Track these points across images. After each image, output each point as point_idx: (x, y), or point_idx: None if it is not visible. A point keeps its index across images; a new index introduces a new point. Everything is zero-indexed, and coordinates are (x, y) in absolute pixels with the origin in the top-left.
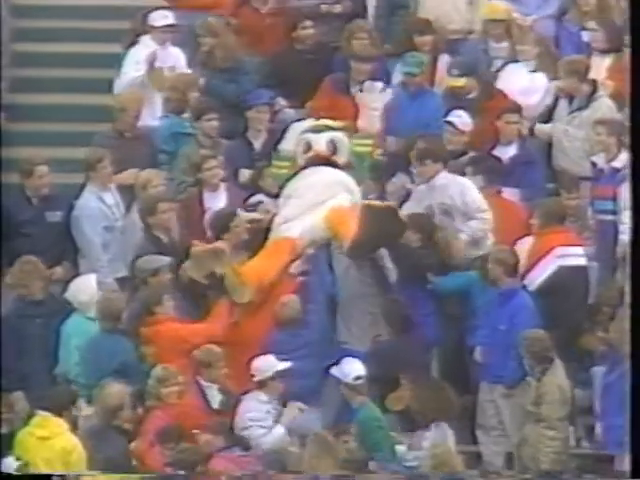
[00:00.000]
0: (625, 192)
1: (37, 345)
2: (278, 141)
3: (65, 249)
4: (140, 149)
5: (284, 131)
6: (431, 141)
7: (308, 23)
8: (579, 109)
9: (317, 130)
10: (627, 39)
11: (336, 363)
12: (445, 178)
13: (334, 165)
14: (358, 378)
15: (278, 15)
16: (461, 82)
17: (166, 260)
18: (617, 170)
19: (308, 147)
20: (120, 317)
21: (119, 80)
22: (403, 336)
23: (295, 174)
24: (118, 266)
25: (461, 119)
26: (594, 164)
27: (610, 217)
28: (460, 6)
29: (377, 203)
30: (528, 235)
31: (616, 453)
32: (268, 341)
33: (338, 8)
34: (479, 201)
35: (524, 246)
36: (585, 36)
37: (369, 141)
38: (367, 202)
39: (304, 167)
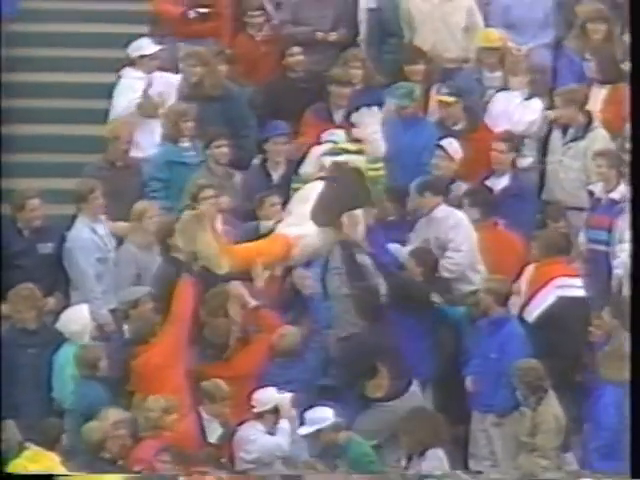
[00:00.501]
0: (622, 225)
1: (30, 375)
2: (299, 165)
3: (57, 280)
4: (131, 179)
5: (304, 155)
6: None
7: (296, 50)
8: (574, 140)
9: (334, 153)
10: (624, 70)
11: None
12: (443, 211)
13: None
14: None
15: (272, 43)
16: (450, 100)
17: (146, 290)
18: (615, 202)
19: (322, 169)
20: (98, 365)
21: (112, 110)
22: (377, 324)
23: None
24: (111, 297)
25: (452, 146)
26: (591, 193)
27: (603, 248)
28: (456, 33)
29: (345, 164)
30: (525, 266)
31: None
32: (264, 374)
33: (333, 36)
34: (461, 239)
35: (521, 277)
36: (582, 66)
37: (378, 165)
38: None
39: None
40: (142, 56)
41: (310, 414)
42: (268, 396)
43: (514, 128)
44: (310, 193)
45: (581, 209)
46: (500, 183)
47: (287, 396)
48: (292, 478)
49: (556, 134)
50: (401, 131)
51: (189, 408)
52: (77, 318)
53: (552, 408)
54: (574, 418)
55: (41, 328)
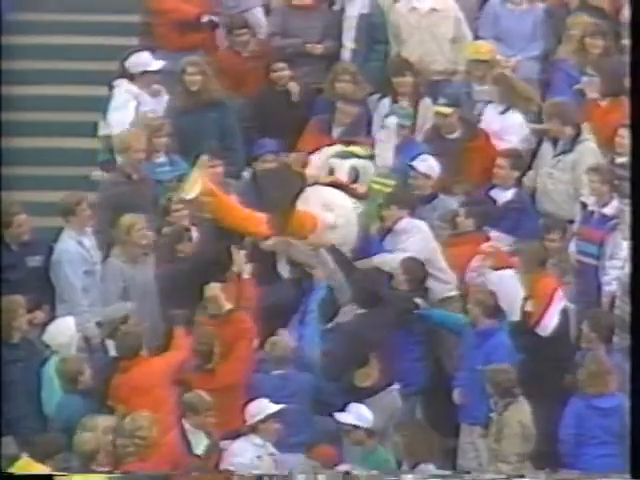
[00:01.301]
0: (613, 241)
1: (21, 389)
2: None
3: (45, 293)
4: (145, 191)
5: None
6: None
7: (281, 65)
8: (563, 152)
9: (343, 156)
10: (617, 84)
11: (341, 410)
12: (406, 223)
13: (351, 193)
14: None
15: (259, 58)
16: (448, 111)
17: (132, 306)
18: (607, 217)
19: (331, 172)
20: (78, 378)
21: (104, 122)
22: (370, 311)
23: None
24: (98, 310)
25: (426, 163)
26: (584, 205)
27: (593, 261)
28: (443, 45)
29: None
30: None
31: None
32: (255, 384)
33: (320, 49)
34: (416, 248)
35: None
36: (573, 79)
37: (389, 181)
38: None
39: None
40: (144, 72)
41: (355, 407)
42: (260, 407)
43: (504, 141)
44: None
45: (570, 221)
46: (503, 196)
47: (279, 406)
48: (286, 478)
49: (546, 146)
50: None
51: (173, 421)
52: (63, 330)
53: (519, 414)
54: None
55: (29, 341)
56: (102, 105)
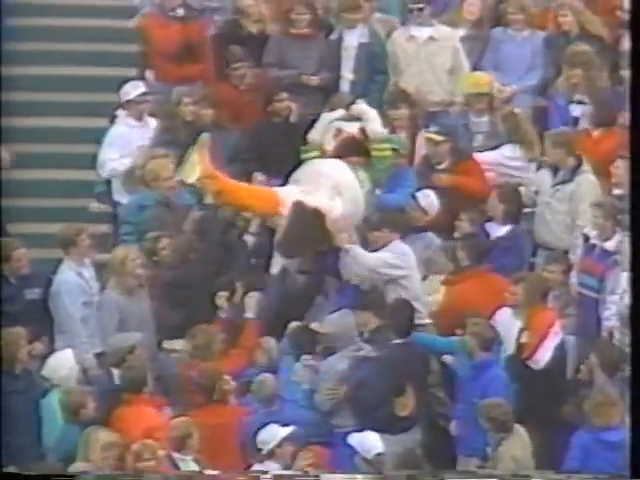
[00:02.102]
0: (614, 276)
1: (21, 420)
2: (306, 132)
3: (44, 325)
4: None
5: (314, 122)
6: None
7: (284, 95)
8: (562, 182)
9: (348, 119)
10: (611, 114)
11: (354, 431)
12: (396, 247)
13: (364, 151)
14: (379, 455)
15: (256, 90)
16: (439, 138)
17: (138, 336)
18: (608, 252)
19: (339, 132)
20: (80, 411)
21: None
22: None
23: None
24: (97, 342)
25: (428, 199)
26: (586, 237)
27: (594, 295)
28: (441, 76)
29: (308, 203)
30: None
31: None
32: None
33: (316, 80)
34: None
35: (509, 319)
36: (572, 109)
37: (385, 145)
38: (298, 199)
39: (333, 152)
40: (129, 100)
41: (362, 439)
42: (271, 433)
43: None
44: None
45: (567, 252)
46: (497, 231)
47: (290, 429)
48: (288, 478)
49: (546, 176)
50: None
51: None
52: (63, 364)
53: (513, 449)
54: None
55: (29, 372)
56: (100, 136)
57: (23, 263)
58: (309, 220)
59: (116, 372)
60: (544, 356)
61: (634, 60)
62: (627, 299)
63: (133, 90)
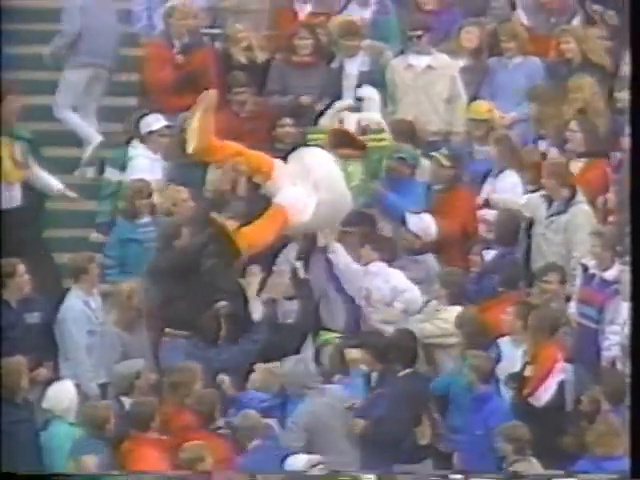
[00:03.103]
0: (614, 306)
1: (21, 448)
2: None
3: (46, 350)
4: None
5: (327, 108)
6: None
7: (288, 121)
8: (557, 213)
9: (354, 109)
10: (600, 143)
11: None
12: (376, 266)
13: (358, 144)
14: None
15: (257, 118)
16: (445, 162)
17: (141, 362)
18: (608, 282)
19: (341, 122)
20: (105, 426)
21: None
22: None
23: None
24: (100, 372)
25: (420, 223)
26: (585, 267)
27: (593, 325)
28: (439, 105)
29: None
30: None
31: None
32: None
33: (319, 106)
34: (404, 282)
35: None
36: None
37: (382, 135)
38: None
39: (328, 143)
40: (150, 132)
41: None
42: (301, 462)
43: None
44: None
45: (563, 282)
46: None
47: (318, 457)
48: (294, 478)
49: (542, 206)
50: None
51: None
52: (64, 395)
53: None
54: None
55: (30, 402)
56: (102, 165)
57: (23, 286)
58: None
59: (125, 400)
60: (546, 394)
61: (634, 84)
62: (627, 329)
63: (155, 123)
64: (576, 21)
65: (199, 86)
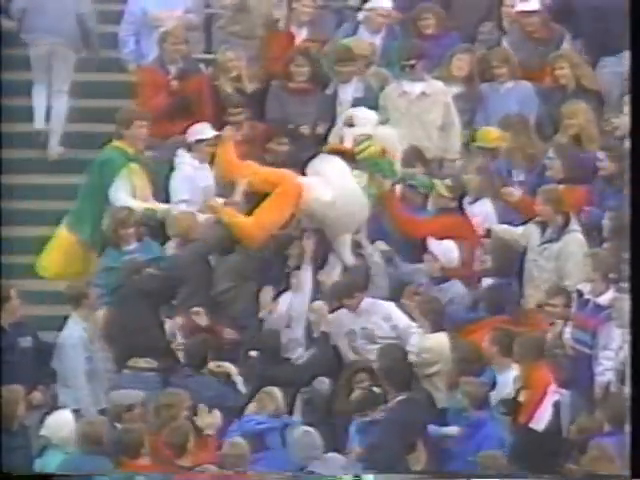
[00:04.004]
0: (607, 331)
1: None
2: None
3: (41, 374)
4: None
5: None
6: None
7: (283, 140)
8: (550, 241)
9: (350, 125)
10: (578, 171)
11: None
12: (366, 303)
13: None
14: None
15: (252, 142)
16: (446, 194)
17: (140, 395)
18: (601, 307)
19: (341, 140)
20: (101, 441)
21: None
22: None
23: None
24: (99, 398)
25: (445, 252)
26: (580, 293)
27: (587, 350)
28: (432, 133)
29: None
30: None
31: None
32: None
33: (314, 131)
34: (404, 319)
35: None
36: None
37: (365, 144)
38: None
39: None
40: (199, 140)
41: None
42: None
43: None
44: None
45: (554, 306)
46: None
47: None
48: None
49: (535, 233)
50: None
51: None
52: (63, 423)
53: None
54: None
55: (27, 428)
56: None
57: (16, 310)
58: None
59: (119, 427)
60: (544, 416)
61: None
62: (622, 355)
63: (204, 132)
64: (566, 43)
65: (193, 112)
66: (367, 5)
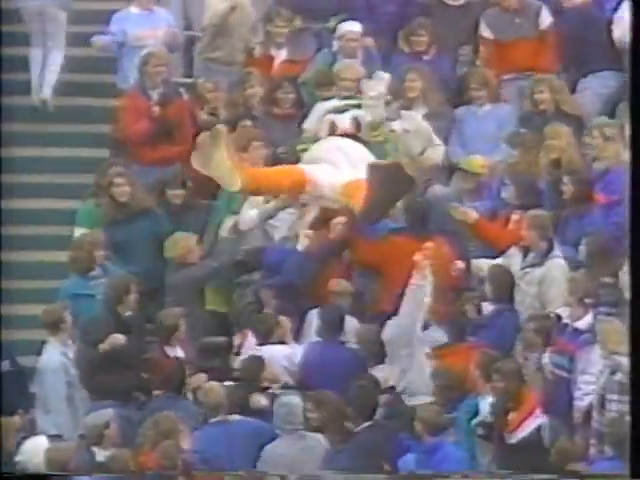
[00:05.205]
0: (585, 356)
1: None
2: (302, 120)
3: (18, 398)
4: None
5: (308, 111)
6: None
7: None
8: (532, 266)
9: (340, 110)
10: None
11: None
12: None
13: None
14: None
15: None
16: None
17: (111, 412)
18: (579, 331)
19: (333, 127)
20: (68, 467)
21: None
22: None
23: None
24: (80, 423)
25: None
26: (559, 317)
27: (565, 374)
28: (416, 160)
29: (382, 162)
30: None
31: None
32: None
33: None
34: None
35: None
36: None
37: (378, 131)
38: (372, 162)
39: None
40: None
41: None
42: None
43: None
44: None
45: (537, 331)
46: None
47: None
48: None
49: (516, 256)
50: None
51: None
52: (38, 450)
53: None
54: None
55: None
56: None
57: None
58: (389, 175)
59: (96, 450)
60: (521, 433)
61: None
62: (603, 379)
63: None
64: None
65: (175, 137)
66: (336, 34)
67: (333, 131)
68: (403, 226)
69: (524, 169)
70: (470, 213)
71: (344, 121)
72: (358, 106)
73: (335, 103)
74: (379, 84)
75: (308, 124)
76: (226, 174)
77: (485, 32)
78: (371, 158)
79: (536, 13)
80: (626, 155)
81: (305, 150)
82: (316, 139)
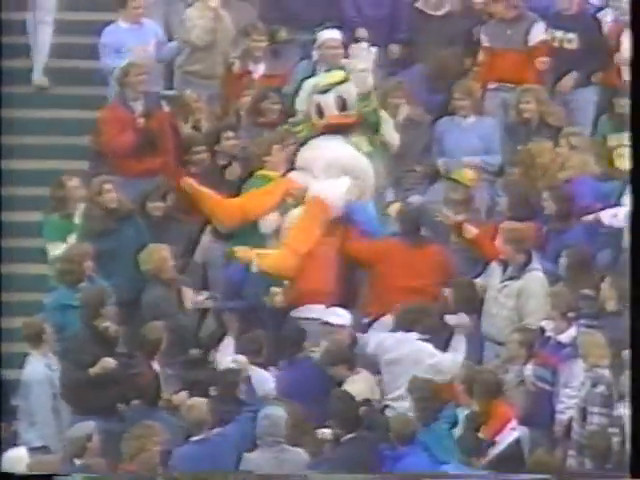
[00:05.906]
0: (568, 369)
1: None
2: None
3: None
4: None
5: (297, 89)
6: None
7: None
8: (511, 278)
9: (323, 90)
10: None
11: None
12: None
13: (349, 128)
14: None
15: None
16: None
17: (92, 424)
18: (562, 344)
19: (320, 112)
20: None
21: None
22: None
23: (306, 143)
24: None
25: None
26: (543, 330)
27: (547, 387)
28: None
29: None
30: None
31: None
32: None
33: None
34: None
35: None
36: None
37: (367, 101)
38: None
39: (320, 133)
40: None
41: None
42: None
43: None
44: (310, 156)
45: (521, 343)
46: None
47: None
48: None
49: (496, 269)
50: None
51: None
52: (19, 459)
53: None
54: None
55: None
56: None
57: None
58: None
59: (78, 462)
60: (499, 446)
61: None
62: (584, 392)
63: None
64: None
65: (157, 149)
66: (316, 43)
67: (321, 114)
68: (399, 231)
69: (519, 182)
70: (470, 228)
71: (329, 104)
72: (340, 82)
73: (320, 79)
74: (366, 56)
75: (299, 104)
76: (215, 215)
77: (483, 40)
78: (355, 156)
79: (528, 28)
80: (593, 165)
81: (301, 132)
82: (308, 121)
